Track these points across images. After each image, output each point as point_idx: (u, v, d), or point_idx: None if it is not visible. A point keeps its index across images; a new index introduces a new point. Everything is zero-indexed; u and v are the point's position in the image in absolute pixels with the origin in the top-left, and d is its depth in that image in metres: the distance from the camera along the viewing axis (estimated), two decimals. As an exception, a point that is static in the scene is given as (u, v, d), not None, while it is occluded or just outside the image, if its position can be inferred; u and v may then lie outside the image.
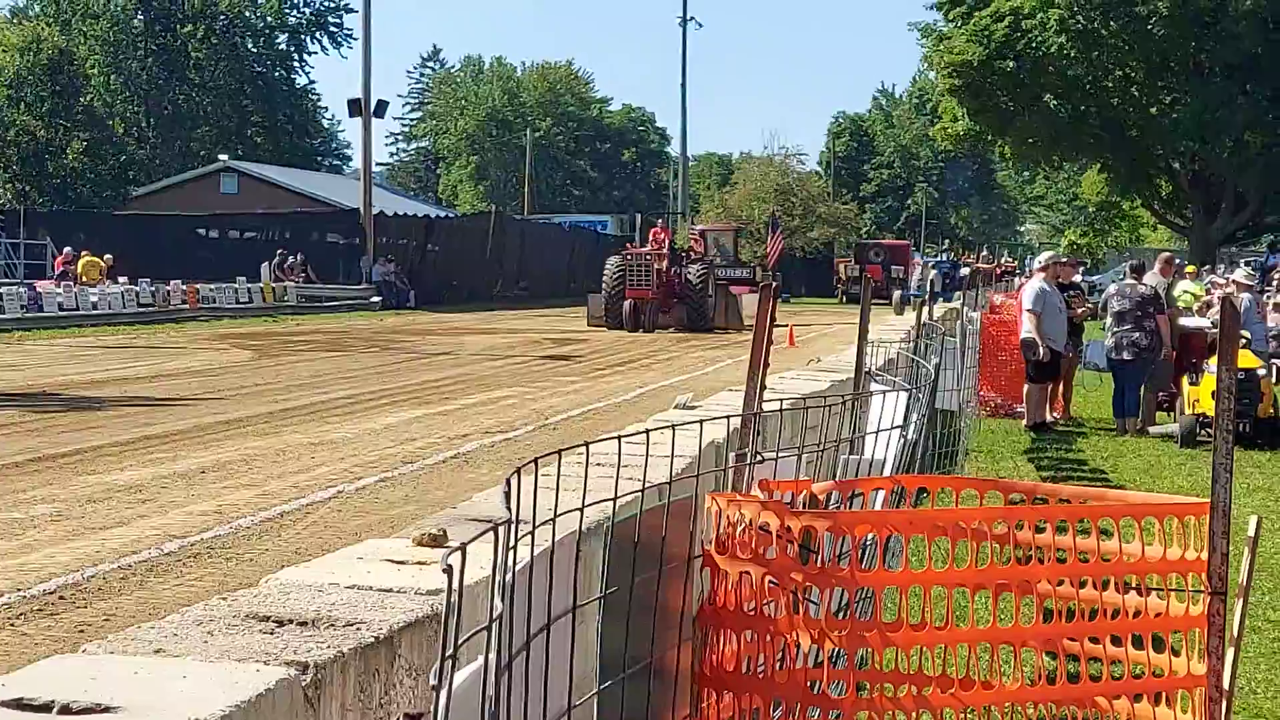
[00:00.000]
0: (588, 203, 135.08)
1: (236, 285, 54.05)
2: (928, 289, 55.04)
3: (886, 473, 6.48)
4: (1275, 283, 38.18)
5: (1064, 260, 23.67)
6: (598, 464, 3.61)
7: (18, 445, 16.85)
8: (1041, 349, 21.13)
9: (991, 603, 3.91)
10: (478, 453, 17.17)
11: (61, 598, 9.82)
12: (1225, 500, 3.79)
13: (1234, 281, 25.00)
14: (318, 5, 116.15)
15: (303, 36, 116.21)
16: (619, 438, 3.57)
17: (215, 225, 69.65)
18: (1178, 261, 27.71)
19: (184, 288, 50.28)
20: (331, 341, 38.42)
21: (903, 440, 7.42)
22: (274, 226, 67.96)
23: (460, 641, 2.48)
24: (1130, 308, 21.02)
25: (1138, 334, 20.89)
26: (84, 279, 49.80)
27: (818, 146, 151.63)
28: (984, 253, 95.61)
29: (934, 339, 14.03)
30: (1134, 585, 3.96)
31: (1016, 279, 50.25)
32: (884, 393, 7.64)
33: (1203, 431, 19.19)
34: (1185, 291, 25.24)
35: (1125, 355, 20.99)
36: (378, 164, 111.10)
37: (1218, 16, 66.34)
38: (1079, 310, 23.06)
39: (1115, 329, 21.15)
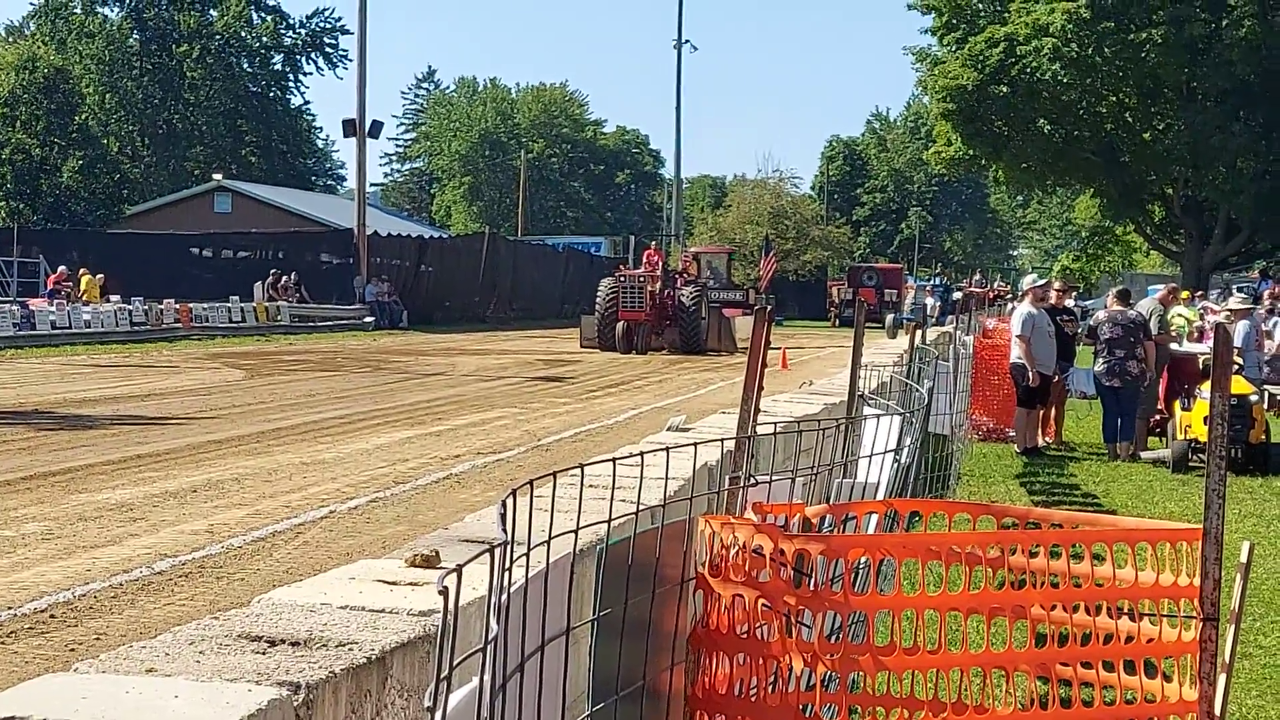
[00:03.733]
0: (581, 224, 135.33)
1: (230, 305, 54.01)
2: (925, 314, 55.12)
3: (880, 496, 6.49)
4: (1265, 309, 38.17)
5: (1042, 284, 23.71)
6: (591, 486, 3.61)
7: (9, 463, 16.83)
8: (1031, 374, 21.18)
9: (984, 627, 3.91)
10: (470, 474, 17.17)
11: (52, 616, 9.81)
12: (1218, 526, 3.80)
13: (1231, 310, 25.00)
14: (313, 26, 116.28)
15: (298, 57, 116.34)
16: (613, 460, 3.57)
17: (209, 244, 69.63)
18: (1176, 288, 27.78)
19: (177, 307, 50.26)
20: (324, 361, 38.42)
21: (896, 464, 7.43)
22: (268, 246, 67.94)
23: (455, 663, 2.48)
24: (1121, 335, 21.03)
25: (1130, 361, 20.92)
26: (85, 297, 49.90)
27: (812, 170, 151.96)
28: (976, 277, 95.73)
29: (927, 363, 14.04)
30: (1126, 610, 3.96)
31: (1010, 303, 50.25)
32: (877, 416, 7.64)
33: (1194, 457, 19.21)
34: (1178, 316, 25.29)
35: (1116, 383, 21.01)
36: (372, 184, 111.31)
37: (1211, 43, 66.50)
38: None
39: (1106, 356, 21.15)
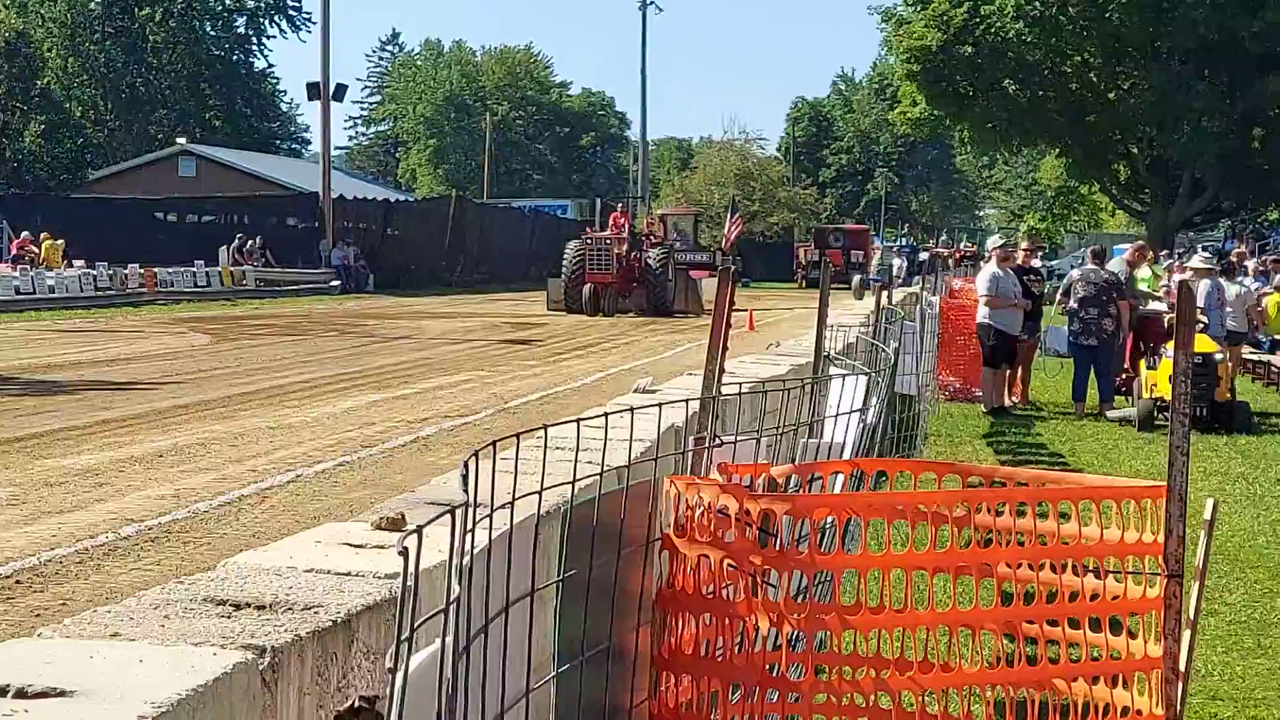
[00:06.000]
0: (547, 187, 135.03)
1: (195, 269, 53.82)
2: (891, 275, 55.10)
3: (845, 456, 6.49)
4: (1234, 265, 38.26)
5: (1008, 244, 23.80)
6: (556, 447, 3.60)
7: (-26, 429, 16.76)
8: (1014, 301, 21.36)
9: (950, 585, 3.92)
10: (437, 437, 17.14)
11: (18, 582, 9.77)
12: (1182, 484, 3.81)
13: (1192, 268, 25.10)
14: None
15: (261, 20, 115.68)
16: (577, 421, 3.57)
17: (173, 209, 69.33)
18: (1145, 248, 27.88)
19: (141, 271, 50.07)
20: (290, 326, 38.33)
21: (862, 424, 7.43)
22: (232, 210, 67.70)
23: (416, 624, 2.47)
24: (1095, 293, 21.14)
25: (1105, 319, 21.02)
26: (47, 262, 49.67)
27: (777, 132, 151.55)
28: (943, 237, 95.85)
29: (893, 323, 14.06)
30: (1091, 568, 3.97)
31: (979, 263, 50.31)
32: (843, 377, 7.64)
33: (1160, 415, 19.28)
34: (1142, 278, 25.38)
35: (1093, 341, 21.11)
36: (336, 147, 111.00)
37: (1175, 3, 66.60)
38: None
39: (1081, 314, 21.25)
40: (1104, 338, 21.10)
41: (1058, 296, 23.49)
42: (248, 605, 3.77)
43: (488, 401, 20.87)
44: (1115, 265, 23.32)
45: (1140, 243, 25.89)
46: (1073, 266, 23.29)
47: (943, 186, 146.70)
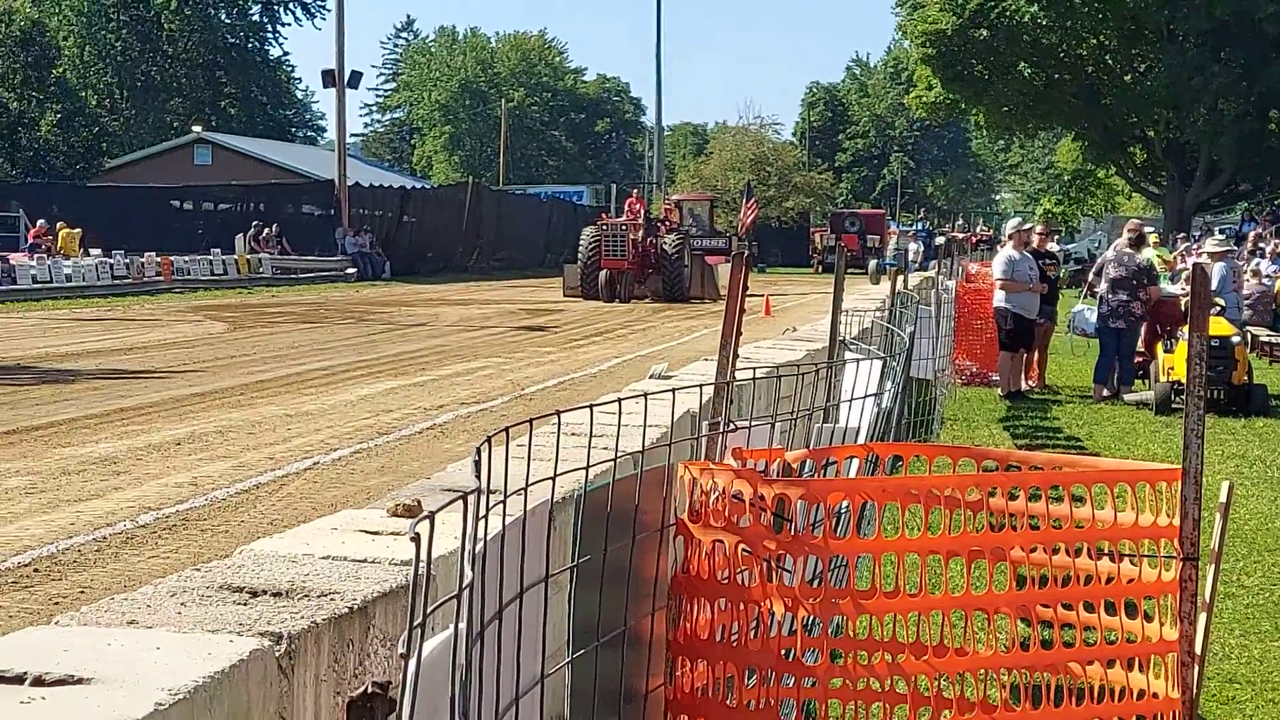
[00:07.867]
0: (563, 173, 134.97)
1: (211, 257, 53.83)
2: (908, 259, 55.00)
3: (860, 441, 6.49)
4: (1248, 250, 38.22)
5: (1028, 227, 23.73)
6: (571, 433, 3.60)
7: (-8, 418, 16.79)
8: (1026, 298, 21.34)
9: (965, 570, 3.92)
10: (454, 424, 17.15)
11: (36, 570, 9.80)
12: (1197, 466, 3.80)
13: (1207, 252, 25.05)
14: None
15: (276, 7, 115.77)
16: (591, 407, 3.57)
17: (189, 197, 69.38)
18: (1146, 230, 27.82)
19: (158, 260, 50.08)
20: (307, 313, 38.35)
21: (877, 408, 7.43)
22: (248, 198, 67.72)
23: (429, 610, 2.47)
24: (1126, 275, 21.07)
25: (1134, 303, 20.99)
26: (63, 251, 49.76)
27: (793, 116, 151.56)
28: (959, 221, 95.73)
29: (909, 308, 14.04)
30: (1107, 551, 3.97)
31: (996, 247, 50.18)
32: (858, 361, 7.63)
33: (1177, 399, 19.23)
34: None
35: (1121, 324, 21.06)
36: (352, 135, 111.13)
37: (1190, -16, 66.45)
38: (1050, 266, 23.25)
39: (1110, 297, 21.18)
40: (1131, 321, 21.08)
41: (1090, 277, 23.40)
42: (264, 592, 3.78)
43: (504, 388, 20.88)
44: (1121, 244, 23.30)
45: (1134, 220, 25.77)
46: (1090, 251, 23.26)
47: (958, 170, 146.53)
